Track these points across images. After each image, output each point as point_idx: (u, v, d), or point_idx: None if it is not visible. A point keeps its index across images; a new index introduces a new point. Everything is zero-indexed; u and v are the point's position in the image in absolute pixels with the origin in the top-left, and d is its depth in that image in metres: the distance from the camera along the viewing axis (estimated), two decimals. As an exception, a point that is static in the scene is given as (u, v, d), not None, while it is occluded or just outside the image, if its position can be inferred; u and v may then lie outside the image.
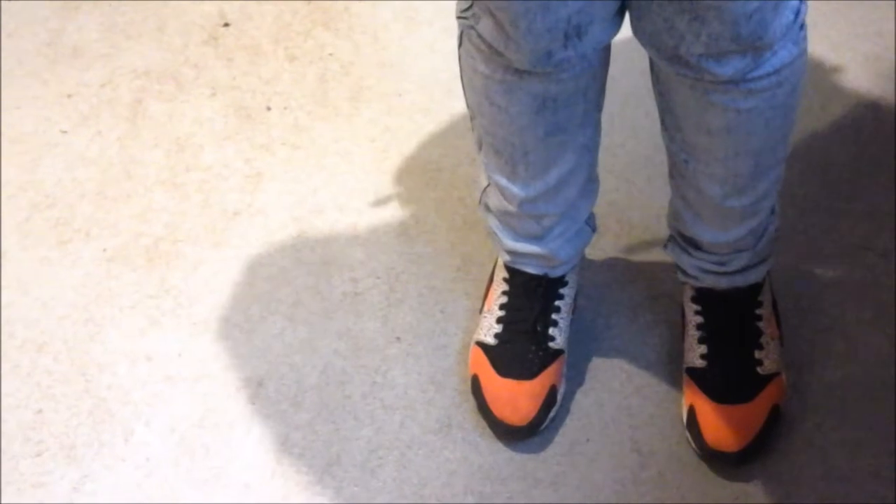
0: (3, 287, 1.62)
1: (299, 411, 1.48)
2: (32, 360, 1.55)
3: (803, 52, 1.19)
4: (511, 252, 1.46)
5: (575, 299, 1.51)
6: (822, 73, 1.81)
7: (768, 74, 1.16)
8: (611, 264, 1.60)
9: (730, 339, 1.42)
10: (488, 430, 1.44)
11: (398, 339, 1.55)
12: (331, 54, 1.92)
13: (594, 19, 1.16)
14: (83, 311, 1.60)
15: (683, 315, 1.48)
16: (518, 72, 1.22)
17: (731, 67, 1.13)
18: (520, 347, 1.45)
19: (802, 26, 1.17)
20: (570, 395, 1.47)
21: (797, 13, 1.15)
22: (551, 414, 1.44)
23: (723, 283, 1.42)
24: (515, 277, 1.47)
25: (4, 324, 1.58)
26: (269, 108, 1.84)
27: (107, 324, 1.58)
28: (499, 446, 1.44)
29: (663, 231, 1.48)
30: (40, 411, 1.50)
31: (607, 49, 1.27)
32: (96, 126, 1.83)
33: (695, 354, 1.43)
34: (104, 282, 1.63)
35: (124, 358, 1.55)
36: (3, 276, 1.63)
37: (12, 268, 1.64)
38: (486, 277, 1.55)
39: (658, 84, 1.26)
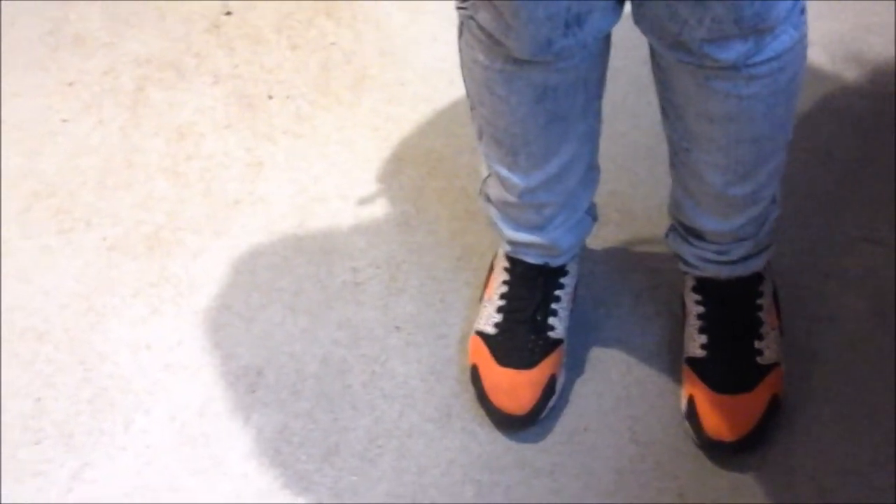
0: (4, 275, 1.63)
1: (299, 400, 1.48)
2: (33, 348, 1.55)
3: (803, 36, 1.18)
4: (512, 242, 1.45)
5: (575, 289, 1.50)
6: (823, 63, 1.81)
7: (769, 59, 1.15)
8: (611, 254, 1.60)
9: (730, 330, 1.42)
10: (487, 420, 1.44)
11: (398, 328, 1.55)
12: (333, 43, 1.92)
13: (594, 7, 1.15)
14: (84, 300, 1.60)
15: (684, 305, 1.47)
16: (518, 61, 1.22)
17: (733, 52, 1.13)
18: (519, 337, 1.45)
19: (802, 11, 1.17)
20: (569, 385, 1.47)
21: None
22: (550, 403, 1.44)
23: (724, 273, 1.42)
24: (516, 267, 1.47)
25: (5, 312, 1.58)
26: (270, 97, 1.84)
27: (107, 312, 1.58)
28: (498, 435, 1.44)
29: (664, 221, 1.48)
30: (40, 399, 1.50)
31: (608, 38, 1.26)
32: (98, 114, 1.83)
33: (695, 344, 1.43)
34: (105, 270, 1.63)
35: (125, 347, 1.55)
36: (3, 265, 1.64)
37: (13, 256, 1.65)
38: (487, 267, 1.55)
39: (659, 72, 1.26)
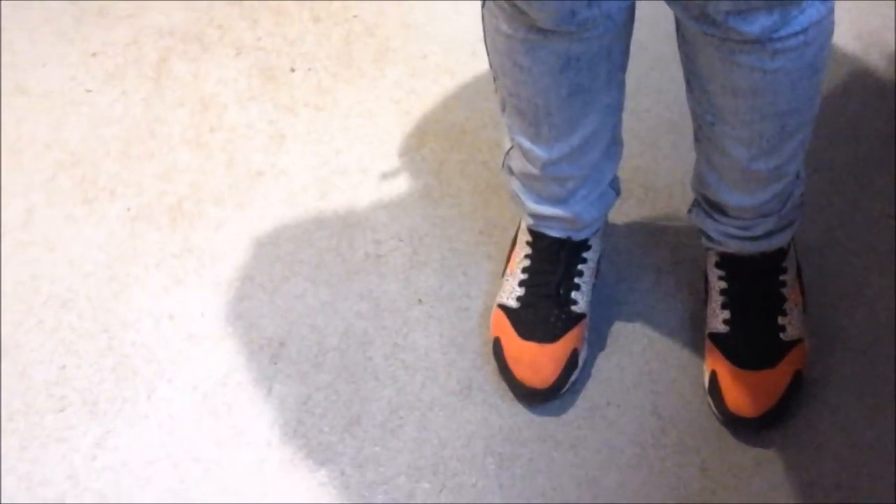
0: (30, 244, 1.63)
1: (320, 372, 1.49)
2: (57, 316, 1.56)
3: (830, 11, 1.17)
4: (534, 215, 1.45)
5: (598, 263, 1.50)
6: (848, 41, 1.80)
7: (795, 34, 1.14)
8: (635, 229, 1.60)
9: (753, 305, 1.42)
10: (509, 393, 1.44)
11: (420, 301, 1.55)
12: (355, 16, 1.91)
13: (618, -22, 1.15)
14: (108, 269, 1.60)
15: (707, 280, 1.47)
16: (541, 31, 1.21)
17: (758, 25, 1.12)
18: (542, 310, 1.45)
19: (829, -16, 1.16)
20: (591, 359, 1.47)
21: None
22: (572, 377, 1.44)
23: (747, 248, 1.41)
24: (538, 241, 1.47)
25: (30, 280, 1.59)
26: (293, 70, 1.84)
27: (131, 282, 1.59)
28: (519, 409, 1.44)
29: (688, 196, 1.48)
30: (64, 367, 1.51)
31: (632, 8, 1.25)
32: (121, 85, 1.83)
33: (717, 320, 1.42)
34: (128, 240, 1.63)
35: (148, 316, 1.55)
36: (29, 233, 1.64)
37: (39, 225, 1.65)
38: (509, 241, 1.55)
39: (684, 45, 1.25)
